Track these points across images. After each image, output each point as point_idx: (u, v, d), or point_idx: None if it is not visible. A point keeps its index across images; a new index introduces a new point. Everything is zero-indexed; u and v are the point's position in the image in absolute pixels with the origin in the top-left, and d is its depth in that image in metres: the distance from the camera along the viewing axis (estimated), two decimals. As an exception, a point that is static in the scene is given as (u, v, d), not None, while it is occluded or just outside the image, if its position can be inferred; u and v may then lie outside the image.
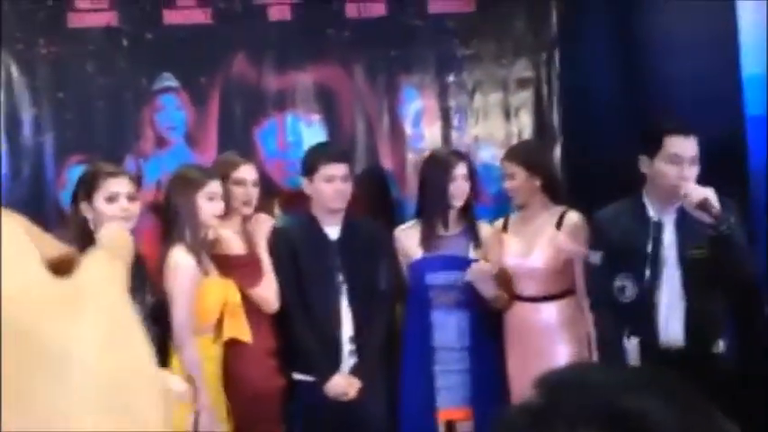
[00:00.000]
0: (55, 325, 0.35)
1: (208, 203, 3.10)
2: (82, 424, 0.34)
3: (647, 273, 3.01)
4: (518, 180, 3.43)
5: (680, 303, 3.02)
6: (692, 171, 2.98)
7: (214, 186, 3.12)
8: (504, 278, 3.40)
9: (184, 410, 2.92)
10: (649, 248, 3.02)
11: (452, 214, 3.46)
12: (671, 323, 3.01)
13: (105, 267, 0.39)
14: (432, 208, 3.46)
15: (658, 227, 3.04)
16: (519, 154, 3.57)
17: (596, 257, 3.13)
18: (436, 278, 3.41)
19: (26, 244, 0.37)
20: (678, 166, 2.97)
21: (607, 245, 3.11)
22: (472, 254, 3.44)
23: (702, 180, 2.98)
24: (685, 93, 3.66)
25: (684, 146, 2.98)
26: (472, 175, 3.51)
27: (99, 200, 2.90)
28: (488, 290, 3.32)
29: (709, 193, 2.83)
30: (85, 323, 0.36)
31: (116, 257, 0.40)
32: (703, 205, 2.80)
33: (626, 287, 3.04)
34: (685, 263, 2.99)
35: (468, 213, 3.48)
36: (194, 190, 3.09)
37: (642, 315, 3.02)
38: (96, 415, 0.35)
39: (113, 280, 0.39)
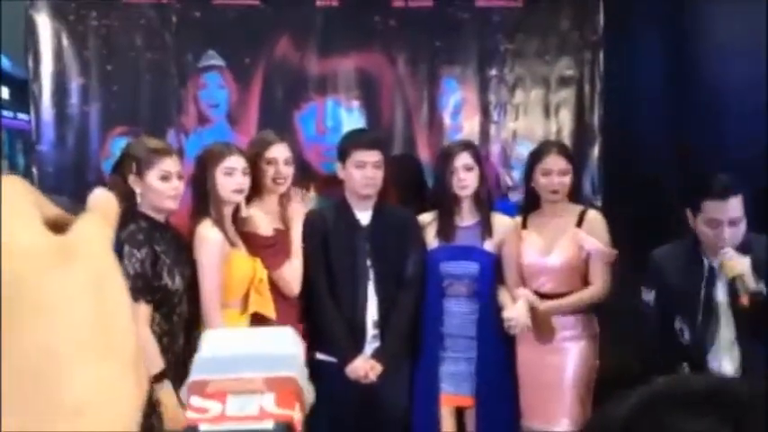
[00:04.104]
0: (48, 274, 0.39)
1: (226, 178, 3.15)
2: (69, 362, 0.38)
3: (700, 316, 2.99)
4: (568, 176, 3.43)
5: (732, 347, 2.99)
6: (733, 231, 2.90)
7: (233, 161, 3.16)
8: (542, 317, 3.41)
9: None
10: (703, 293, 2.98)
11: (466, 204, 3.47)
12: (723, 366, 2.99)
13: (96, 228, 0.43)
14: (439, 198, 3.50)
15: (712, 271, 2.99)
16: (569, 151, 3.56)
17: (650, 296, 3.10)
18: (449, 267, 3.43)
19: (27, 204, 0.42)
20: (717, 229, 2.90)
21: (663, 285, 3.08)
22: (485, 245, 3.45)
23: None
24: (726, 98, 3.62)
25: (723, 210, 2.89)
26: (481, 165, 3.50)
27: (153, 177, 2.98)
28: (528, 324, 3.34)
29: (743, 268, 2.79)
30: (76, 273, 0.40)
31: (105, 220, 0.44)
32: (738, 279, 2.78)
33: (684, 329, 3.03)
34: (737, 308, 2.92)
35: (483, 204, 3.49)
36: (213, 164, 3.15)
37: (695, 357, 3.01)
38: (83, 354, 0.39)
39: (102, 239, 0.43)
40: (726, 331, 2.98)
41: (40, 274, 0.39)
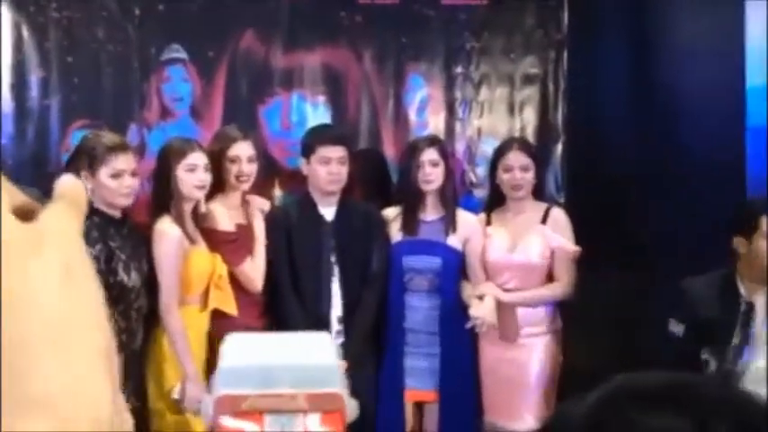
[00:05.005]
0: (17, 264, 0.38)
1: (188, 175, 3.13)
2: (39, 353, 0.38)
3: (733, 348, 2.95)
4: (531, 172, 3.45)
5: (764, 383, 2.99)
6: None
7: (195, 158, 3.15)
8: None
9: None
10: (737, 328, 2.95)
11: (431, 200, 3.49)
12: None
13: (64, 216, 0.42)
14: (403, 192, 3.50)
15: (750, 307, 2.97)
16: (531, 147, 3.59)
17: (679, 329, 3.03)
18: (411, 261, 3.44)
19: None
20: None
21: (695, 317, 3.00)
22: (449, 240, 3.47)
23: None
24: (690, 99, 3.67)
25: None
26: (447, 161, 3.52)
27: (103, 174, 2.97)
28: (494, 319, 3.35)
29: None
30: (45, 263, 0.39)
31: (73, 208, 0.43)
32: None
33: (710, 361, 2.97)
34: None
35: (447, 199, 3.50)
36: (175, 161, 3.13)
37: None
38: (52, 346, 0.38)
39: (71, 227, 0.42)
40: (761, 362, 2.92)
41: (8, 264, 0.38)
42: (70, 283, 0.40)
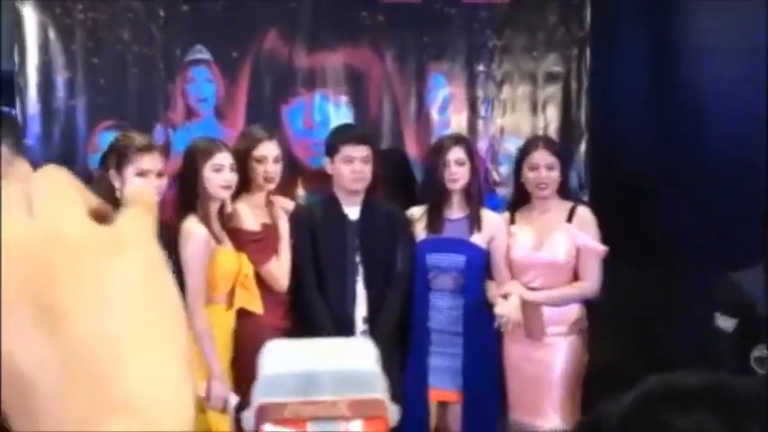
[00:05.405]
0: (102, 264, 0.40)
1: (214, 175, 3.15)
2: (125, 354, 0.39)
3: None
4: (556, 171, 3.45)
5: None
6: None
7: (221, 158, 3.17)
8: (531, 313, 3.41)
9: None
10: None
11: (456, 198, 3.49)
12: None
13: (140, 220, 0.44)
14: (429, 191, 3.51)
15: None
16: (556, 145, 3.58)
17: (728, 324, 2.95)
18: (435, 259, 3.45)
19: (74, 194, 0.42)
20: None
21: (750, 312, 2.91)
22: (473, 238, 3.47)
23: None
24: (713, 96, 3.65)
25: None
26: (473, 159, 3.52)
27: (129, 173, 2.99)
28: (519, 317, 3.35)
29: None
30: (127, 264, 0.40)
31: (147, 212, 0.44)
32: None
33: (764, 359, 2.88)
34: None
35: (472, 198, 3.50)
36: (201, 161, 3.15)
37: None
38: (138, 347, 0.39)
39: (147, 230, 0.43)
40: None
41: (93, 264, 0.39)
42: (151, 285, 0.41)
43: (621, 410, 0.78)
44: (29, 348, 0.38)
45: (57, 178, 0.42)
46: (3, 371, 0.38)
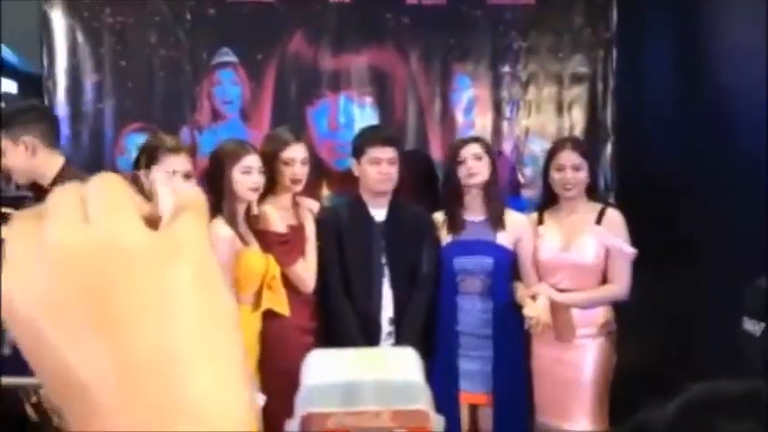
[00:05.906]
0: (158, 271, 0.39)
1: (243, 177, 3.17)
2: (188, 361, 0.38)
3: None
4: (583, 172, 3.44)
5: None
6: None
7: (249, 160, 3.18)
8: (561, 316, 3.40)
9: None
10: None
11: (477, 199, 3.47)
12: None
13: (194, 224, 0.43)
14: (447, 190, 3.51)
15: None
16: (583, 147, 3.57)
17: (756, 328, 2.88)
18: (462, 262, 3.44)
19: (129, 201, 0.42)
20: None
21: None
22: (498, 239, 3.46)
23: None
24: (739, 98, 3.62)
25: None
26: (491, 156, 3.50)
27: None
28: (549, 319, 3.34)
29: None
30: (183, 269, 0.40)
31: (200, 216, 0.44)
32: None
33: None
34: None
35: (493, 196, 3.49)
36: (229, 163, 3.17)
37: None
38: (200, 354, 0.39)
39: (201, 235, 0.43)
40: None
41: (152, 272, 0.39)
42: (208, 289, 0.41)
43: (667, 418, 0.78)
44: (89, 358, 0.38)
45: (112, 184, 0.42)
46: (64, 381, 0.38)
